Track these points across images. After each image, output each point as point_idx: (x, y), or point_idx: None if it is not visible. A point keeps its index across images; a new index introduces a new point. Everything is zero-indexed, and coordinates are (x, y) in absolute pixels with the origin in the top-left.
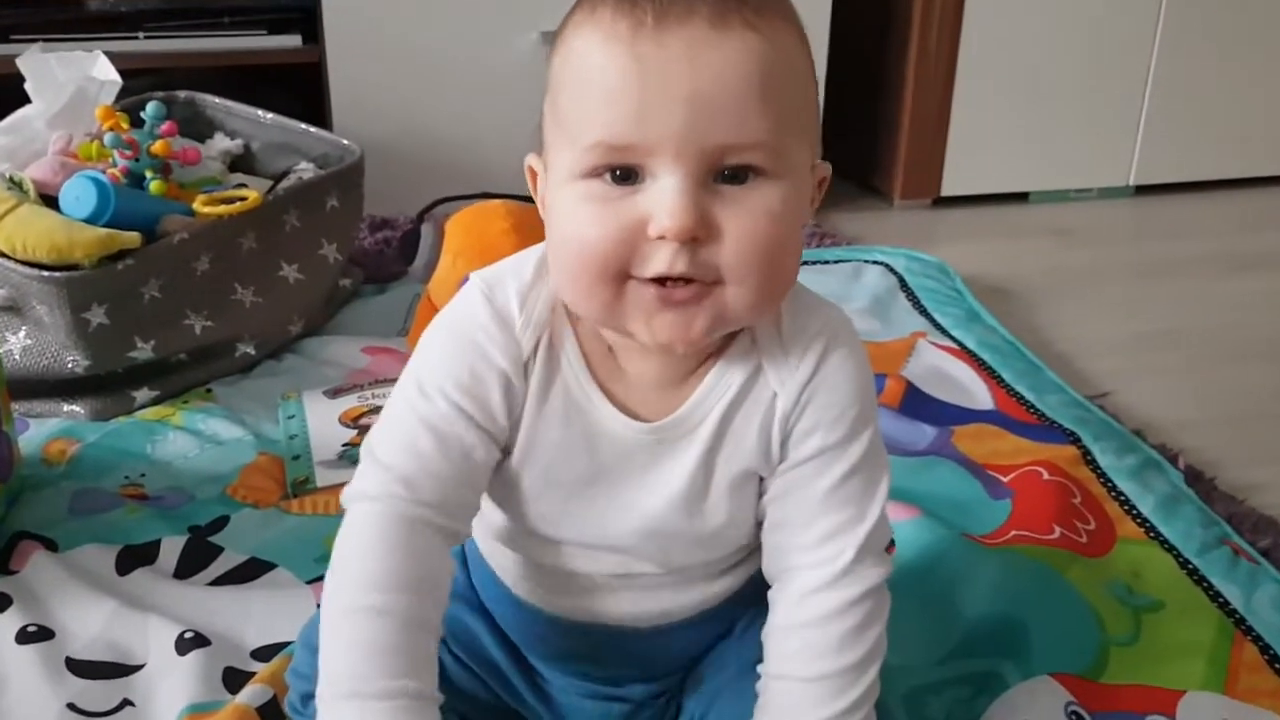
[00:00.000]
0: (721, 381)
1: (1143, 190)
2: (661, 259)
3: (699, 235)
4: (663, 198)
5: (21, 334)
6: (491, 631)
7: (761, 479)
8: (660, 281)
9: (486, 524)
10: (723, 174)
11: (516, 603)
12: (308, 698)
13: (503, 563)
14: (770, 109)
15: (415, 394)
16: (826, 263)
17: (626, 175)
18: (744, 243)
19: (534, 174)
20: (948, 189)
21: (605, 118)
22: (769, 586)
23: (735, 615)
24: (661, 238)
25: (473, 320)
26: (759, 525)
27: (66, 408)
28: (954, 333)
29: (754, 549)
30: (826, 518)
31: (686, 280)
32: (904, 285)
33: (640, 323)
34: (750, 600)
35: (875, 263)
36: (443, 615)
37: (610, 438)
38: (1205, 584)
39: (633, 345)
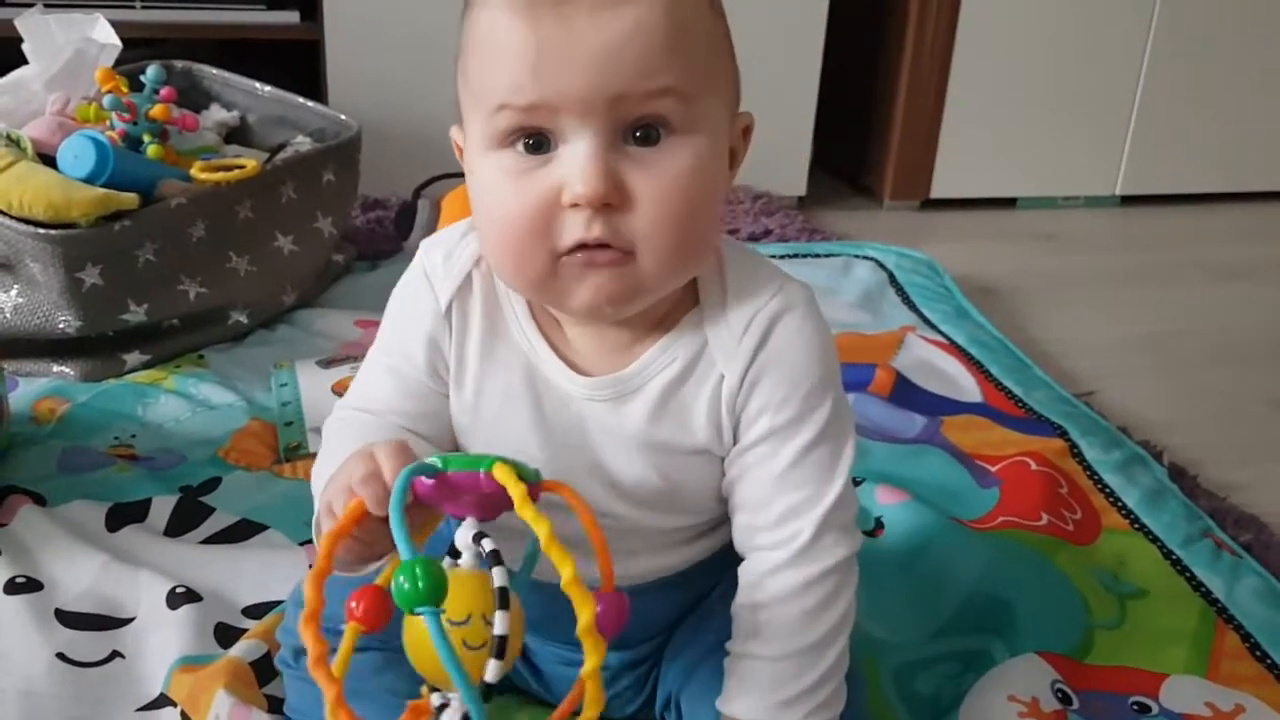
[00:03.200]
0: (666, 353)
1: (1128, 200)
2: (577, 225)
3: (612, 200)
4: (574, 163)
5: (14, 292)
6: None
7: (722, 460)
8: (581, 247)
9: None
10: (634, 135)
11: None
12: (299, 653)
13: None
14: (678, 53)
15: (377, 342)
16: (816, 256)
17: (538, 143)
18: (657, 207)
19: (459, 147)
20: (937, 191)
21: (508, 79)
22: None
23: (710, 582)
24: (575, 205)
25: (406, 281)
26: (724, 500)
27: (56, 368)
28: (943, 328)
29: (719, 521)
30: (783, 498)
31: (604, 246)
32: (893, 281)
33: (570, 285)
34: (726, 566)
35: (865, 258)
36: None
37: (550, 388)
38: (1188, 574)
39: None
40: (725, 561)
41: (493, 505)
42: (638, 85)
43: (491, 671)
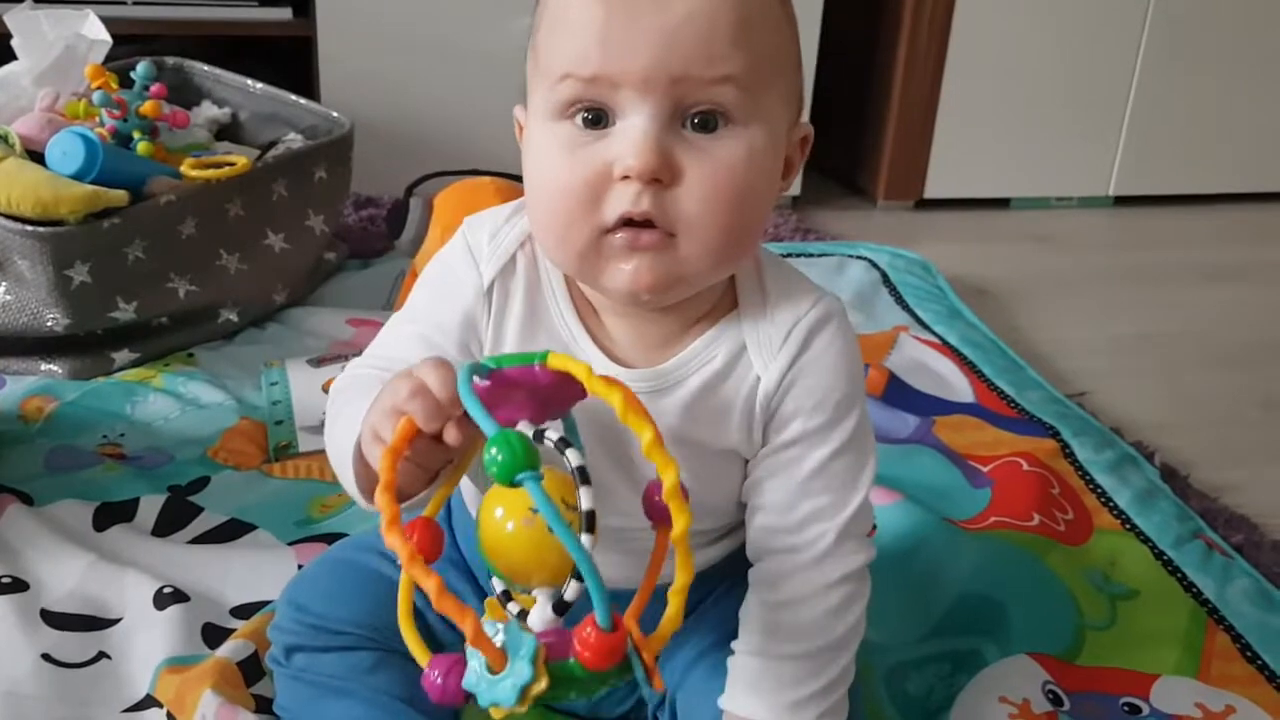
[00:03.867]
0: (706, 350)
1: (1122, 201)
2: (625, 197)
3: (662, 177)
4: (628, 137)
5: (1, 290)
6: (478, 595)
7: (746, 461)
8: (627, 225)
9: (477, 483)
10: (692, 120)
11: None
12: (290, 650)
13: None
14: (743, 45)
15: (404, 311)
16: (810, 255)
17: (597, 118)
18: (706, 190)
19: (520, 126)
20: (931, 192)
21: (573, 49)
22: (748, 562)
23: (710, 587)
24: (626, 178)
25: (446, 256)
26: (742, 505)
27: (44, 366)
28: (936, 328)
29: (735, 525)
30: (809, 501)
31: (649, 225)
32: (887, 280)
33: (608, 267)
34: (727, 571)
35: (859, 257)
36: None
37: None
38: (1179, 575)
39: (610, 303)
40: (732, 565)
41: (548, 400)
42: (699, 69)
43: (587, 543)
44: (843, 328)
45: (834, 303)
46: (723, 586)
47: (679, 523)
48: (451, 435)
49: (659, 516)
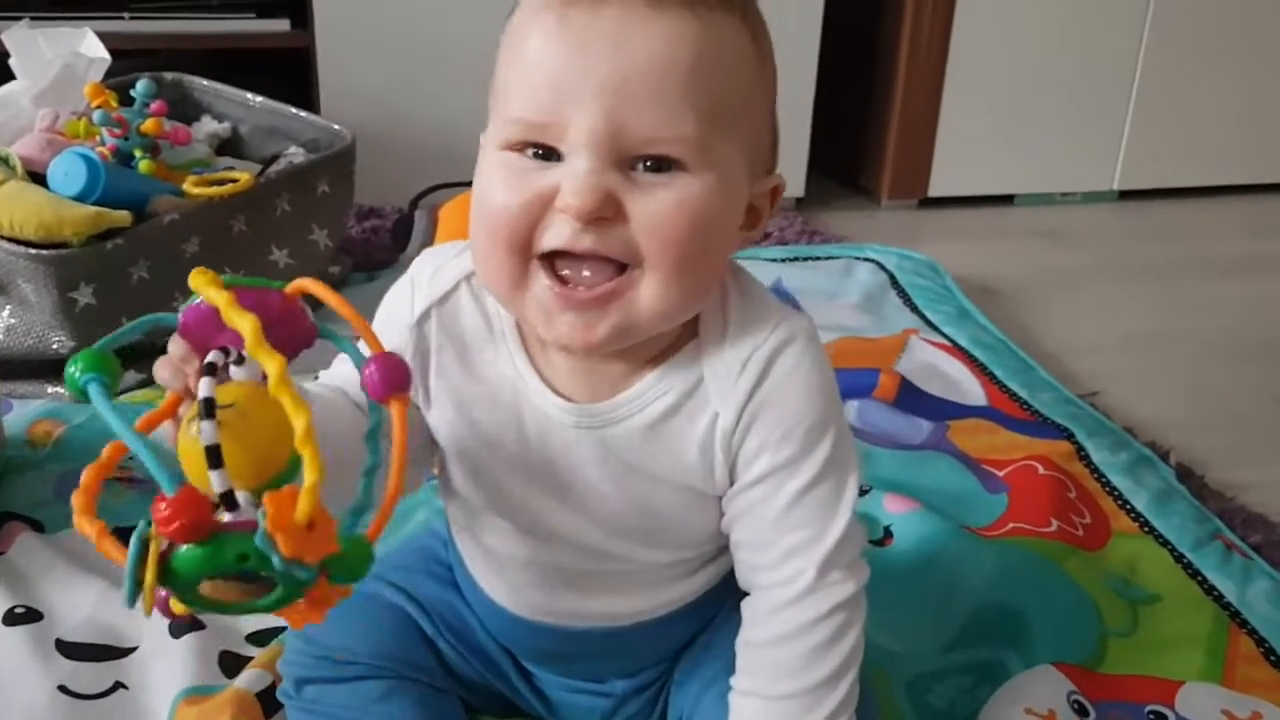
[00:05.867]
0: (659, 385)
1: (1126, 195)
2: (562, 231)
3: (605, 214)
4: (572, 175)
5: (6, 313)
6: (483, 627)
7: (719, 499)
8: (562, 280)
9: (451, 517)
10: (643, 162)
11: (492, 606)
12: (301, 683)
13: (475, 565)
14: (697, 101)
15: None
16: (817, 259)
17: (547, 155)
18: (656, 226)
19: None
20: (935, 190)
21: (525, 92)
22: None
23: (715, 609)
24: (565, 212)
25: (396, 284)
26: (723, 535)
27: (51, 389)
28: (945, 330)
29: (718, 552)
30: (785, 538)
31: (592, 263)
32: (894, 283)
33: (540, 317)
34: (722, 597)
35: (866, 260)
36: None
37: (537, 414)
38: (1200, 578)
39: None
40: (719, 593)
41: (282, 337)
42: (650, 126)
43: (217, 482)
44: (808, 348)
45: (798, 323)
46: (723, 613)
47: (309, 474)
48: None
49: (376, 394)
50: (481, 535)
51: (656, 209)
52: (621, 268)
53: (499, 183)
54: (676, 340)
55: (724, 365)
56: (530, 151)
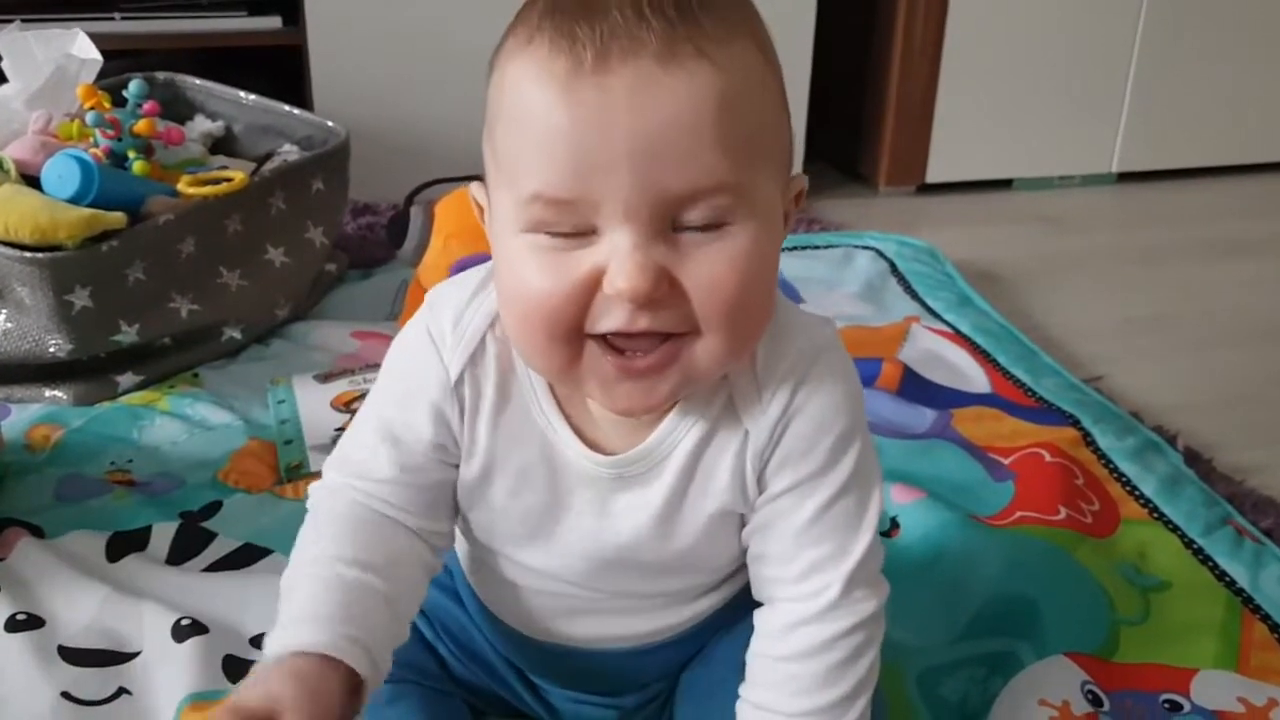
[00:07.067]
0: (689, 416)
1: (1125, 177)
2: (618, 315)
3: (658, 295)
4: (617, 254)
5: (2, 317)
6: (486, 638)
7: (742, 515)
8: (618, 350)
9: (465, 550)
10: (686, 227)
11: (503, 627)
12: None
13: (487, 590)
14: (730, 145)
15: (373, 401)
16: (816, 248)
17: (578, 230)
18: (712, 293)
19: (480, 207)
20: (932, 176)
21: (542, 169)
22: (747, 603)
23: (721, 622)
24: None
25: (410, 341)
26: (742, 553)
27: (49, 393)
28: (947, 317)
29: (734, 572)
30: (809, 551)
31: (650, 335)
32: (895, 270)
33: (598, 390)
34: (740, 605)
35: (865, 248)
36: (406, 593)
37: (570, 467)
38: (1211, 564)
39: None
40: (724, 613)
41: None
42: (689, 183)
43: None
44: (833, 360)
45: (822, 332)
46: (724, 628)
47: None
48: None
49: None
50: (498, 568)
51: (710, 275)
52: (668, 335)
53: (533, 270)
54: None
55: (754, 384)
56: (560, 232)
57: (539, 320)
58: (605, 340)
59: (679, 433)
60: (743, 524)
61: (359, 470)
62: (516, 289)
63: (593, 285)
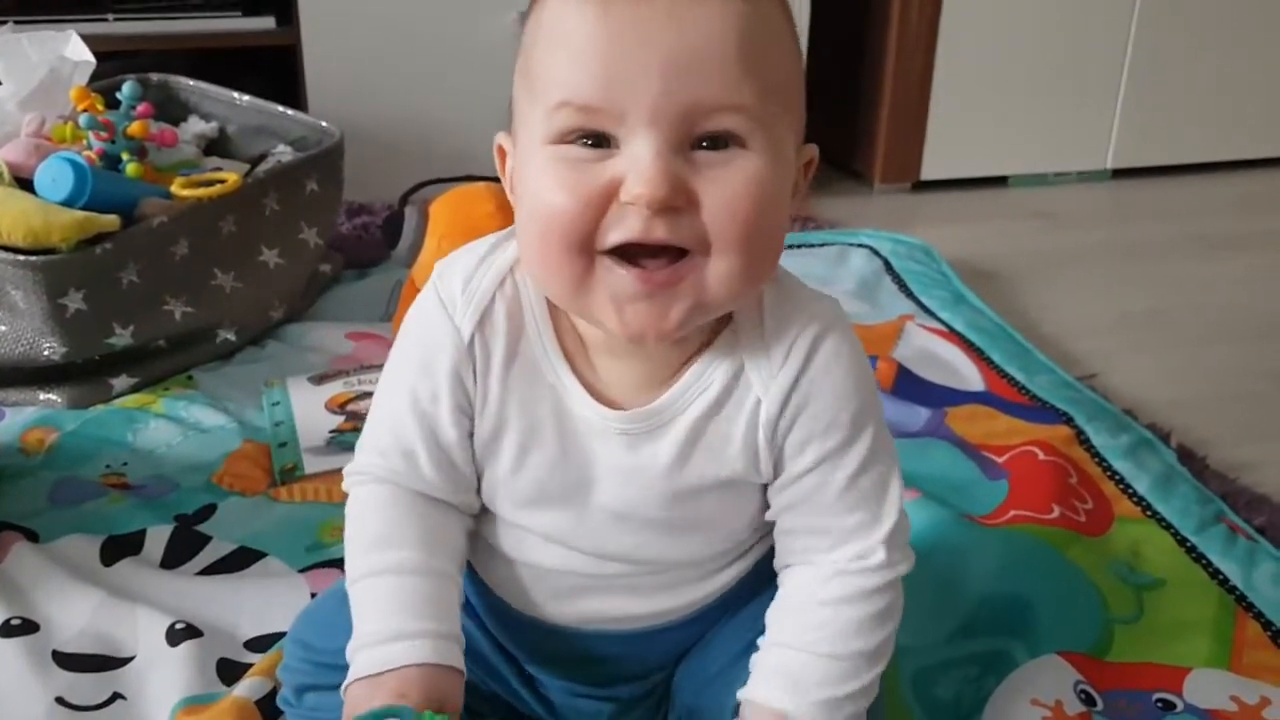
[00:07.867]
0: (701, 379)
1: (1120, 174)
2: (634, 223)
3: (676, 204)
4: (636, 163)
5: None
6: (484, 632)
7: (764, 488)
8: (635, 262)
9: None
10: (700, 143)
11: (503, 608)
12: (301, 690)
13: (488, 568)
14: (753, 73)
15: (390, 381)
16: (811, 246)
17: (598, 141)
18: (726, 209)
19: (503, 154)
20: (927, 173)
21: (573, 77)
22: (758, 582)
23: (724, 610)
24: (631, 203)
25: (422, 309)
26: (759, 525)
27: (43, 396)
28: (941, 315)
29: (748, 547)
30: (842, 520)
31: (666, 249)
32: (889, 268)
33: (610, 310)
34: (740, 595)
35: (860, 246)
36: (460, 568)
37: (580, 422)
38: (1204, 561)
39: (604, 342)
40: (744, 588)
41: None
42: (712, 99)
43: None
44: (845, 334)
45: (833, 308)
46: (723, 618)
47: None
48: None
49: None
50: (500, 541)
51: (726, 191)
52: (680, 253)
53: (554, 182)
54: (713, 330)
55: (765, 350)
56: (583, 140)
57: (556, 232)
58: (622, 257)
59: (691, 394)
60: (759, 497)
61: (393, 450)
62: (536, 203)
63: (609, 195)
